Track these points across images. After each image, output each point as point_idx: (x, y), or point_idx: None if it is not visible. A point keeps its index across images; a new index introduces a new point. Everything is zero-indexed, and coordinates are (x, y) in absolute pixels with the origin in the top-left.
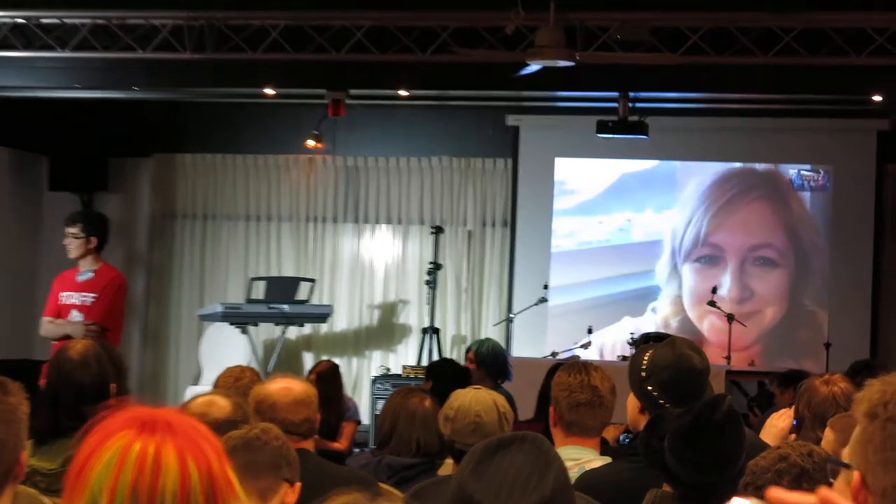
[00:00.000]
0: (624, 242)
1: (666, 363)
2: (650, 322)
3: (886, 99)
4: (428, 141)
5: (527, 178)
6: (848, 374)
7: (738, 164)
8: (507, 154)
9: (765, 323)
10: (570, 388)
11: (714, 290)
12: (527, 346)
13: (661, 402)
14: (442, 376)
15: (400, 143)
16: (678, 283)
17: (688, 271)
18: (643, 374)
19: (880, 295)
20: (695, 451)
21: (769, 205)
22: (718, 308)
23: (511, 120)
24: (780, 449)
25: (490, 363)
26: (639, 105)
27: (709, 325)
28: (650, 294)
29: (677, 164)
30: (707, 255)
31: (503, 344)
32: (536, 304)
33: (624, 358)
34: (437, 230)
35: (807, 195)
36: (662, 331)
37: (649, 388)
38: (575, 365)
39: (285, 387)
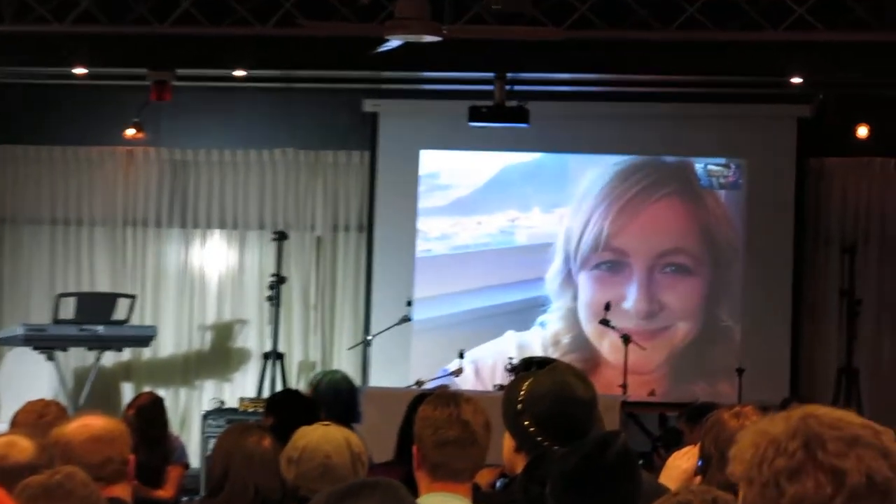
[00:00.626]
0: (507, 246)
1: (543, 392)
2: (537, 339)
3: (807, 81)
4: (270, 130)
5: (388, 173)
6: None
7: (641, 157)
8: (363, 146)
9: (676, 341)
10: (436, 424)
11: (607, 307)
12: (387, 373)
13: (539, 439)
14: (285, 411)
15: (236, 133)
16: (573, 293)
17: (585, 280)
18: (519, 406)
19: (801, 309)
20: (582, 497)
21: (681, 202)
22: (613, 328)
23: (368, 105)
24: (678, 495)
25: (330, 402)
26: (518, 88)
27: (609, 345)
28: (539, 306)
29: (569, 155)
30: (608, 262)
31: (359, 372)
32: (399, 324)
33: (501, 387)
34: (281, 236)
35: (720, 194)
36: (551, 352)
37: (525, 422)
38: (442, 396)
39: (83, 424)
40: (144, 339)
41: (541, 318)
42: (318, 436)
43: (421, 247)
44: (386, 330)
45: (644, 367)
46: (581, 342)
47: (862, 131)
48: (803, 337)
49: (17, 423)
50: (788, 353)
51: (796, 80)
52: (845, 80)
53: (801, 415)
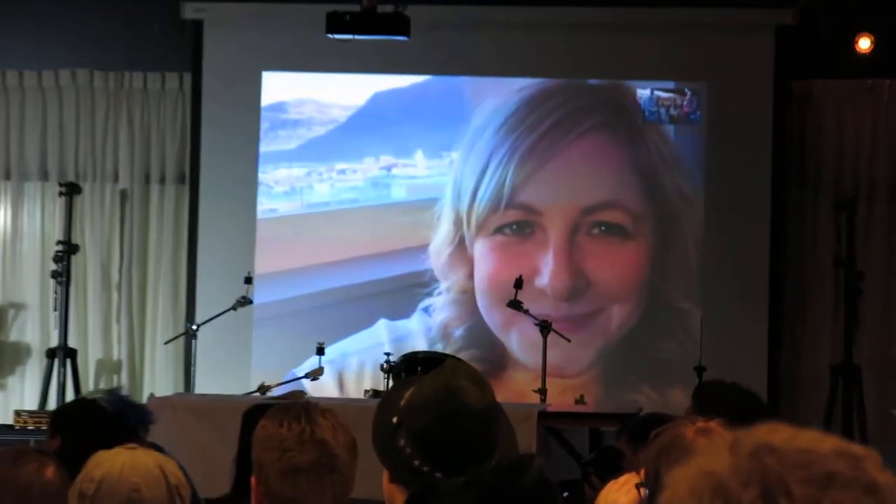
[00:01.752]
0: (381, 202)
1: (424, 403)
2: (420, 330)
3: None
4: (53, 44)
5: (217, 104)
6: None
7: (559, 80)
8: (183, 66)
9: (610, 331)
10: (282, 446)
11: (518, 284)
12: (220, 376)
13: (417, 464)
14: (77, 429)
15: (4, 46)
16: (467, 268)
17: (483, 250)
18: (394, 420)
19: (783, 285)
20: None
21: (613, 139)
22: (526, 311)
23: (189, 10)
24: None
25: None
26: None
27: (519, 338)
28: (422, 286)
29: (462, 79)
30: (514, 223)
31: (180, 374)
32: (234, 308)
33: (376, 393)
34: (71, 189)
35: (668, 129)
36: (440, 348)
37: (401, 442)
38: (290, 407)
39: None
40: None
41: (425, 303)
42: (122, 463)
43: (263, 205)
44: (217, 316)
45: (569, 366)
46: (480, 335)
47: (863, 43)
48: (785, 323)
49: None
50: (765, 346)
51: None
52: None
53: (752, 448)
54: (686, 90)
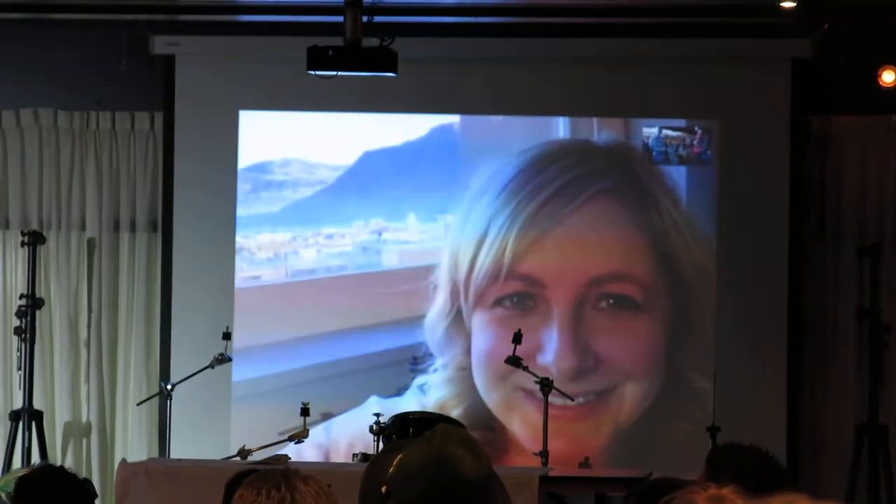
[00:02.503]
0: (371, 271)
1: (415, 471)
2: (414, 408)
3: (802, 5)
4: (15, 82)
5: (191, 144)
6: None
7: (561, 136)
8: (154, 104)
9: (622, 412)
10: None
11: (516, 339)
12: (197, 438)
13: None
14: (43, 497)
15: None
16: (465, 342)
17: (481, 324)
18: (383, 489)
19: (802, 338)
20: None
21: (621, 205)
22: (525, 368)
23: (160, 45)
24: None
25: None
26: (380, 20)
27: (521, 419)
28: (416, 361)
29: (456, 124)
30: (515, 295)
31: (154, 438)
32: (212, 367)
33: (365, 457)
34: (35, 238)
35: (678, 174)
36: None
37: None
38: (268, 475)
39: None
40: None
41: (420, 381)
42: None
43: (245, 272)
44: (193, 375)
45: (577, 454)
46: (480, 415)
47: (887, 77)
48: (805, 381)
49: None
50: (784, 406)
51: (787, 3)
52: (860, 2)
53: None
54: (696, 128)
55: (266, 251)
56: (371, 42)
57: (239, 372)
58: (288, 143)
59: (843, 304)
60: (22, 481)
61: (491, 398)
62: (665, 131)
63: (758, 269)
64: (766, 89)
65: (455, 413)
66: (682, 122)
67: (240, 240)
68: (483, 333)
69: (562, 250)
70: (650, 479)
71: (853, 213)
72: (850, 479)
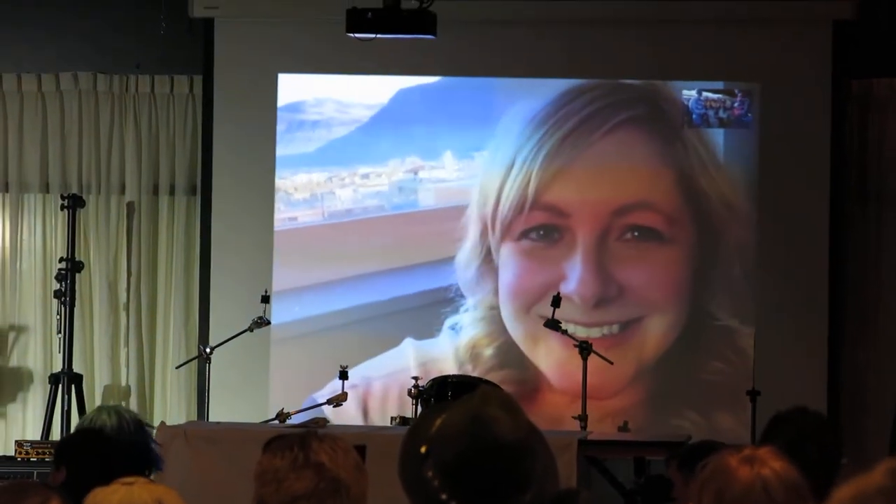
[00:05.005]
0: (408, 210)
1: (454, 432)
2: (448, 350)
3: None
4: (54, 46)
5: (230, 108)
6: (780, 444)
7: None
8: (193, 68)
9: (646, 346)
10: (277, 476)
11: (556, 301)
12: (237, 403)
13: (444, 498)
14: (83, 460)
15: (5, 51)
16: (494, 282)
17: (507, 255)
18: (423, 449)
19: (844, 301)
20: None
21: (645, 135)
22: (564, 332)
23: (199, 7)
24: None
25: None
26: None
27: (548, 355)
28: (448, 302)
29: (493, 79)
30: (542, 227)
31: (193, 401)
32: (250, 330)
33: (404, 420)
34: (74, 202)
35: (717, 134)
36: (469, 369)
37: (428, 473)
38: (286, 437)
39: None
40: None
41: (452, 321)
42: (120, 498)
43: (282, 213)
44: (232, 338)
45: (605, 386)
46: (511, 354)
47: None
48: (847, 343)
49: None
50: (825, 368)
51: None
52: None
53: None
54: (736, 91)
55: (302, 192)
56: (410, 4)
57: (278, 315)
58: (321, 83)
59: (886, 266)
60: (62, 444)
61: (515, 329)
62: (705, 94)
63: (799, 232)
64: (808, 51)
65: (487, 352)
66: (721, 85)
67: (277, 181)
68: (509, 266)
69: (586, 180)
70: (690, 442)
71: (894, 175)
72: (891, 441)
